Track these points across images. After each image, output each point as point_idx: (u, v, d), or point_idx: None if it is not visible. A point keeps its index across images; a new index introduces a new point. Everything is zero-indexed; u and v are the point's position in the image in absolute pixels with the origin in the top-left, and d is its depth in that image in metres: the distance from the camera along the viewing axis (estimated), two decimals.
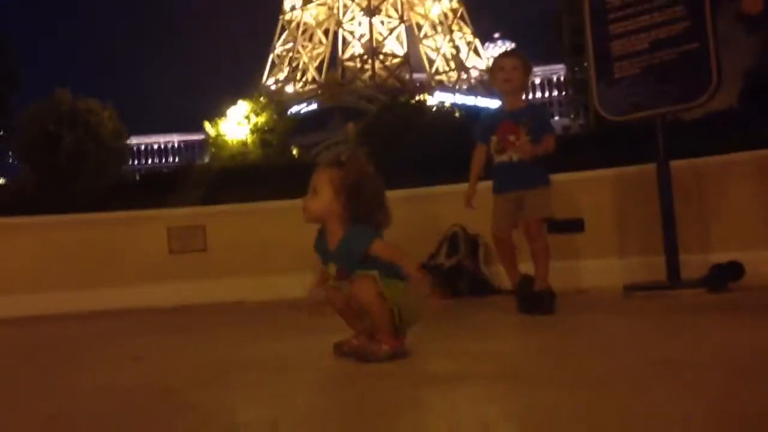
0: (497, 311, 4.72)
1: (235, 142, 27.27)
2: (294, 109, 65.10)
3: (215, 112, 30.24)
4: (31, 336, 5.20)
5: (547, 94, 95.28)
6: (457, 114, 17.17)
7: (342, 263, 2.72)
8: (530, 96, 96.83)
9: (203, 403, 2.15)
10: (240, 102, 28.96)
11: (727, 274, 4.88)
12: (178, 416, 1.97)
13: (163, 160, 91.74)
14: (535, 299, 4.08)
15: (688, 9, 4.94)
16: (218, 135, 28.29)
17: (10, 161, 32.23)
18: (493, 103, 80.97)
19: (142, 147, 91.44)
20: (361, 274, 2.65)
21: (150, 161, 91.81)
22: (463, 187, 4.50)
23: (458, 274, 6.00)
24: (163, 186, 9.60)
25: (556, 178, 6.12)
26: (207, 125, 30.20)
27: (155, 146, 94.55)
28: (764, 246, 5.35)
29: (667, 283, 4.89)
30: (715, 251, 5.38)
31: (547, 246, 4.24)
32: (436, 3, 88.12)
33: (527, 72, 4.44)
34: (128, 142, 26.58)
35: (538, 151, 4.19)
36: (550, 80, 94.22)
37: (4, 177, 34.55)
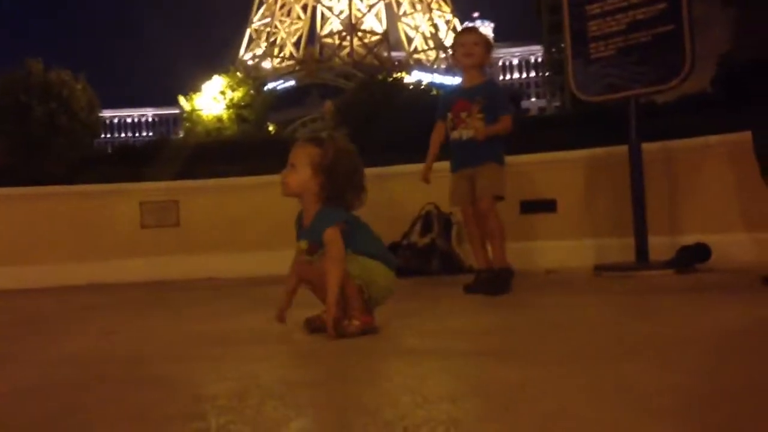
0: None
1: (210, 118, 27.01)
2: (271, 85, 64.58)
3: (191, 86, 29.90)
4: (0, 309, 5.15)
5: (524, 75, 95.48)
6: (434, 93, 17.15)
7: (313, 239, 2.75)
8: (508, 76, 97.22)
9: (172, 375, 2.15)
10: (215, 77, 28.64)
11: (694, 256, 4.96)
12: (147, 387, 1.98)
13: (137, 134, 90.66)
14: (485, 280, 4.10)
15: None
16: (193, 110, 27.99)
17: None
18: None
19: (116, 120, 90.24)
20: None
21: (123, 134, 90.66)
22: (438, 166, 4.50)
23: (431, 252, 6.03)
24: (136, 160, 9.50)
25: (530, 158, 6.20)
26: (182, 99, 29.86)
27: (129, 120, 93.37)
28: (731, 228, 5.44)
29: (636, 264, 4.96)
30: (684, 233, 5.46)
31: (500, 225, 4.20)
32: None
33: (488, 49, 4.43)
34: (101, 114, 26.20)
35: (490, 131, 4.16)
36: (528, 61, 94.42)
37: None
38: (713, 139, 5.65)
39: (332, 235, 2.67)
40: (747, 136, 4.91)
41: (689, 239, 5.19)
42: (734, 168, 5.56)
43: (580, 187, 6.13)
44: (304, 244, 2.80)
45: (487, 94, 4.27)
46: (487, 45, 4.39)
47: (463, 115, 4.22)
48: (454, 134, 4.30)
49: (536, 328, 2.89)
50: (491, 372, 1.98)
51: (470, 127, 4.19)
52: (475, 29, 4.89)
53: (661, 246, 5.09)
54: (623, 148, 5.16)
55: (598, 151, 5.98)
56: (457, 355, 2.28)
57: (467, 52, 4.32)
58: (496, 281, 4.05)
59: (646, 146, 5.16)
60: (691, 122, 6.13)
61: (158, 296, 5.55)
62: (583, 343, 2.43)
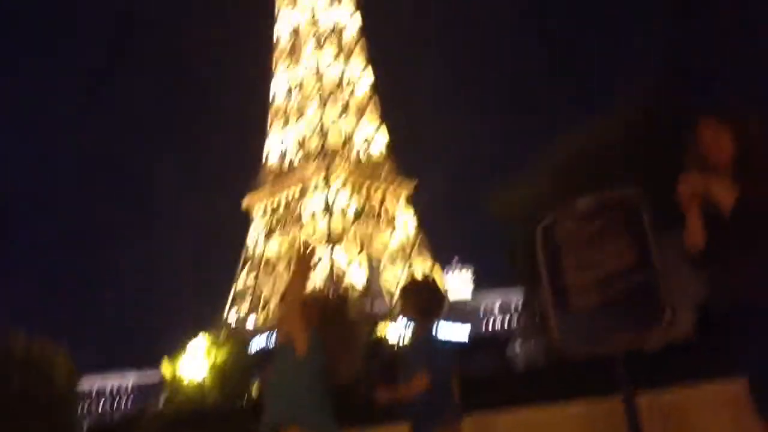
0: None
1: (192, 384, 26.39)
2: (255, 341, 64.35)
3: (175, 344, 29.58)
4: None
5: (506, 319, 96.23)
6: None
7: None
8: (489, 323, 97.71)
9: None
10: (201, 335, 28.52)
11: None
12: None
13: (116, 405, 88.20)
14: None
15: (635, 240, 5.04)
16: (174, 377, 27.42)
17: None
18: (453, 329, 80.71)
19: (95, 390, 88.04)
20: None
21: (102, 407, 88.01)
22: None
23: None
24: None
25: (519, 412, 5.92)
26: (165, 365, 29.40)
27: (108, 389, 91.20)
28: None
29: None
30: None
31: None
32: (395, 233, 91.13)
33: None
34: (81, 384, 25.50)
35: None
36: (508, 306, 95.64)
37: None
38: (706, 387, 5.46)
39: None
40: (737, 382, 4.75)
41: None
42: (728, 414, 5.30)
43: None
44: None
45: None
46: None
47: None
48: None
49: None
50: None
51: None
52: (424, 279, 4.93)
53: None
54: (615, 402, 4.93)
55: (592, 406, 5.73)
56: None
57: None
58: None
59: (641, 398, 4.94)
60: (679, 369, 5.98)
61: None
62: None
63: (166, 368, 28.37)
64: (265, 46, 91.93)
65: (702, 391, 5.50)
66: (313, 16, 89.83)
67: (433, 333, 4.84)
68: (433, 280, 4.86)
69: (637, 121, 18.57)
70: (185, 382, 26.41)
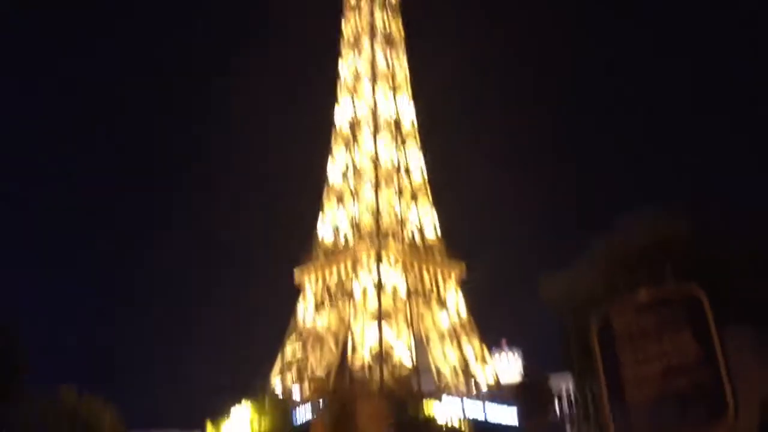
0: None
1: None
2: (299, 412, 63.62)
3: (220, 408, 29.55)
4: None
5: (557, 407, 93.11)
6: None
7: None
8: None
9: None
10: (244, 402, 28.42)
11: None
12: None
13: None
14: None
15: (697, 334, 4.99)
16: None
17: None
18: (501, 411, 78.35)
19: None
20: None
21: None
22: None
23: None
24: None
25: None
26: (209, 427, 29.33)
27: None
28: None
29: None
30: None
31: None
32: (445, 313, 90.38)
33: None
34: None
35: None
36: (559, 394, 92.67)
37: None
38: None
39: None
40: None
41: None
42: None
43: None
44: None
45: None
46: None
47: None
48: None
49: None
50: None
51: None
52: None
53: None
54: None
55: None
56: None
57: None
58: None
59: None
60: None
61: None
62: None
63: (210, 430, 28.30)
64: (325, 130, 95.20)
65: None
66: (374, 105, 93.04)
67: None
68: (543, 382, 4.90)
69: (694, 217, 18.42)
70: None
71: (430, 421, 15.98)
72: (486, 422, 66.33)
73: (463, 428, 19.49)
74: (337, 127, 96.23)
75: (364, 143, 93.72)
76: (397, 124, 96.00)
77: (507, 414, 74.45)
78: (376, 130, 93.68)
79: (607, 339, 5.33)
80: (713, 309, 4.89)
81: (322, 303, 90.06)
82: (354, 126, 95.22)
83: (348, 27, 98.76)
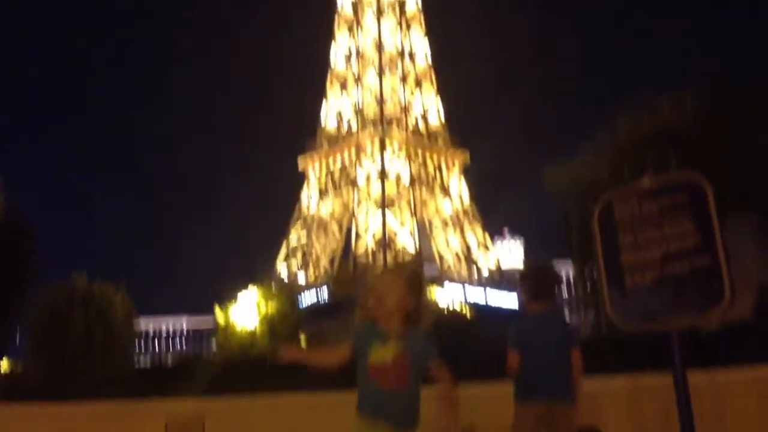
0: None
1: (244, 332, 27.11)
2: (304, 297, 65.32)
3: (227, 294, 30.34)
4: None
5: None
6: (468, 316, 17.14)
7: (406, 353, 3.26)
8: None
9: None
10: (251, 287, 29.12)
11: None
12: None
13: (170, 348, 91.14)
14: None
15: (697, 223, 5.02)
16: (227, 324, 28.20)
17: (17, 344, 31.91)
18: (502, 297, 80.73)
19: (151, 329, 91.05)
20: None
21: (157, 347, 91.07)
22: (470, 389, 4.34)
23: None
24: (166, 378, 9.42)
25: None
26: (218, 311, 30.20)
27: (163, 330, 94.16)
28: None
29: None
30: None
31: None
32: (448, 201, 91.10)
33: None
34: (137, 324, 26.47)
35: None
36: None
37: (9, 358, 34.04)
38: (761, 371, 5.43)
39: (446, 371, 3.23)
40: None
41: None
42: None
43: (622, 417, 5.85)
44: (388, 352, 3.25)
45: None
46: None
47: None
48: None
49: None
50: None
51: None
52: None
53: None
54: (667, 378, 4.96)
55: (641, 380, 5.77)
56: None
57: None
58: None
59: (693, 378, 4.96)
60: (735, 351, 5.95)
61: None
62: None
63: (219, 315, 29.15)
64: (328, 13, 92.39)
65: (757, 373, 5.47)
66: None
67: (554, 313, 4.92)
68: (550, 266, 5.03)
69: (699, 105, 18.21)
70: (237, 330, 27.11)
71: (432, 305, 16.47)
72: (486, 305, 68.18)
73: (464, 311, 20.15)
74: (339, 6, 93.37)
75: (367, 26, 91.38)
76: (402, 6, 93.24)
77: (507, 299, 76.48)
78: (379, 12, 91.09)
79: (608, 225, 5.37)
80: (716, 197, 4.89)
81: (326, 190, 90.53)
82: (357, 6, 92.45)
83: None
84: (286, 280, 76.89)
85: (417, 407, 3.19)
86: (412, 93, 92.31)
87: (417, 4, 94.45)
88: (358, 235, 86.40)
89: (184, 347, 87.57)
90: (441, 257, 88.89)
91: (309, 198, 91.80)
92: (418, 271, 3.38)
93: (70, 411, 7.26)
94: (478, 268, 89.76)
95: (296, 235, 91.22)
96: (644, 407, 5.75)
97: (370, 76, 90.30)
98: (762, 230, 13.51)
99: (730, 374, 5.56)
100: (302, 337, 31.65)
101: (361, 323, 3.50)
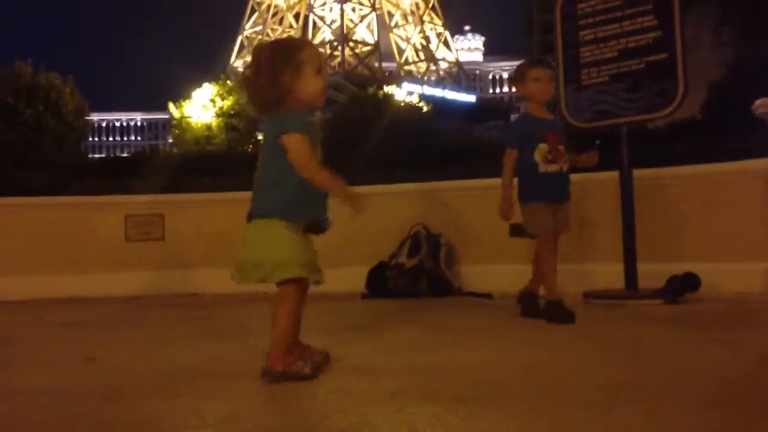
0: (460, 315, 4.72)
1: (199, 125, 26.86)
2: None
3: (180, 93, 29.69)
4: None
5: (514, 90, 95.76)
6: (425, 108, 17.12)
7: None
8: (498, 90, 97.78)
9: (148, 417, 2.09)
10: (206, 85, 28.47)
11: (683, 286, 4.92)
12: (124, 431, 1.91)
13: (125, 138, 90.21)
14: (554, 311, 4.06)
15: (658, 18, 4.94)
16: (182, 117, 27.84)
17: None
18: (461, 96, 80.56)
19: (104, 123, 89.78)
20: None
21: (111, 138, 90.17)
22: (429, 185, 4.41)
23: (419, 274, 5.97)
24: (123, 171, 9.40)
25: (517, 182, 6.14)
26: (171, 106, 29.68)
27: (117, 123, 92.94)
28: (720, 258, 5.41)
29: (626, 293, 4.93)
30: (674, 261, 5.40)
31: None
32: None
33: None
34: (89, 118, 25.95)
35: (585, 162, 4.44)
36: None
37: None
38: (703, 168, 5.62)
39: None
40: (736, 164, 4.88)
41: (679, 267, 5.14)
42: (724, 197, 5.54)
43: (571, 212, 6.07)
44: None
45: (561, 128, 4.44)
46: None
47: (561, 148, 4.25)
48: (554, 167, 4.23)
49: (523, 367, 2.82)
50: (471, 423, 1.92)
51: (572, 161, 4.33)
52: (548, 64, 4.80)
53: (651, 273, 5.04)
54: (615, 174, 5.13)
55: (591, 176, 5.93)
56: (446, 398, 2.21)
57: (545, 89, 4.35)
58: (561, 312, 4.02)
59: (638, 173, 5.13)
60: (681, 149, 6.11)
61: (141, 314, 5.46)
62: (567, 387, 2.36)
63: (173, 110, 28.68)
64: None
65: (697, 171, 5.66)
66: None
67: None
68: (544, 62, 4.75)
69: None
70: (193, 125, 26.83)
71: (389, 98, 16.36)
72: (444, 99, 68.00)
73: (421, 105, 20.13)
74: None
75: None
76: None
77: (464, 96, 76.54)
78: None
79: (570, 17, 5.25)
80: None
81: None
82: None
83: None
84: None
85: (273, 190, 2.76)
86: None
87: None
88: (315, 27, 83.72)
89: (139, 139, 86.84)
90: (401, 51, 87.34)
91: None
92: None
93: (21, 203, 7.26)
94: (437, 64, 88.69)
95: (251, 28, 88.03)
96: (591, 200, 5.96)
97: None
98: (724, 21, 13.33)
99: (673, 170, 5.74)
100: (260, 134, 31.54)
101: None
